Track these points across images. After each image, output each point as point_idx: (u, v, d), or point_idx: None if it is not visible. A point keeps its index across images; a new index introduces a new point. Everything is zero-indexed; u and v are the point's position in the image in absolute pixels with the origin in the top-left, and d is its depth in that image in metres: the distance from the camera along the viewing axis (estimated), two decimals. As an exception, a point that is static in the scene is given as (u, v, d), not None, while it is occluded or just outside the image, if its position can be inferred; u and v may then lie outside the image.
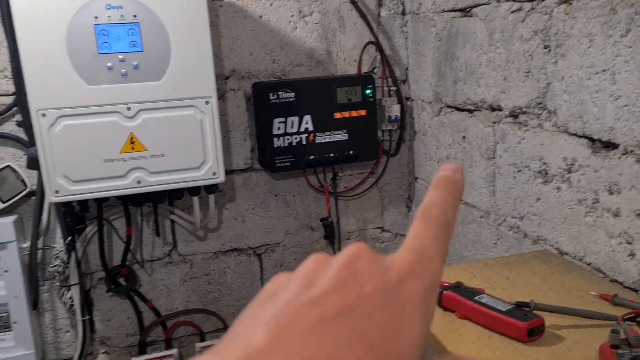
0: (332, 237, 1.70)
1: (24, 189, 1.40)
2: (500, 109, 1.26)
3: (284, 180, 1.67)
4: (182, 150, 1.29)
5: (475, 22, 1.32)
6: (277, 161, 1.53)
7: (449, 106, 1.50)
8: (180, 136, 1.29)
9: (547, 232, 1.13)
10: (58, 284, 1.51)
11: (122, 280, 1.55)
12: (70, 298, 1.50)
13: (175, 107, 1.27)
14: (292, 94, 1.51)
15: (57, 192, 1.22)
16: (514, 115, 1.21)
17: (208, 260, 1.65)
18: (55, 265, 1.48)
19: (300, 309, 0.20)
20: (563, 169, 1.06)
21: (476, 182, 1.39)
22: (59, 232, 1.49)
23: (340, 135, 1.58)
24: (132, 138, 1.25)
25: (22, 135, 1.40)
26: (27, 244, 1.44)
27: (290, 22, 1.59)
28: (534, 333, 0.75)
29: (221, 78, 1.55)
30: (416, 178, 1.77)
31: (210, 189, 1.45)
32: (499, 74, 1.24)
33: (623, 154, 0.91)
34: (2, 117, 1.39)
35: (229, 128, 1.58)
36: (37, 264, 1.45)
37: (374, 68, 1.67)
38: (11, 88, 1.39)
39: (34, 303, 1.46)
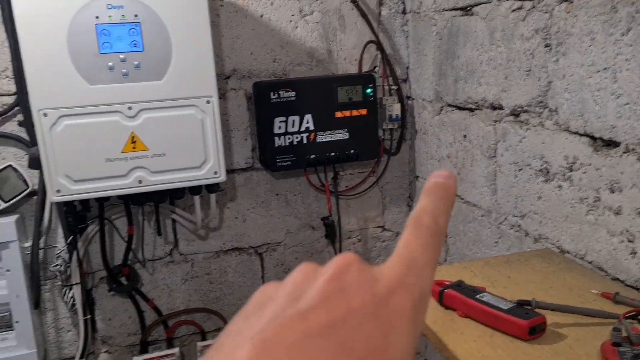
0: (333, 236, 1.70)
1: (26, 189, 1.40)
2: (501, 108, 1.26)
3: (285, 179, 1.67)
4: (183, 150, 1.29)
5: (476, 20, 1.32)
6: (278, 160, 1.53)
7: (449, 105, 1.50)
8: (181, 135, 1.29)
9: (548, 231, 1.13)
10: (60, 283, 1.51)
11: (123, 280, 1.55)
12: (72, 297, 1.50)
13: (177, 107, 1.27)
14: (293, 93, 1.51)
15: (58, 191, 1.22)
16: (515, 113, 1.21)
17: (209, 260, 1.65)
18: (56, 265, 1.49)
19: (286, 323, 0.19)
20: (564, 168, 1.06)
21: (477, 181, 1.39)
22: (60, 232, 1.49)
23: (341, 135, 1.58)
24: (133, 137, 1.25)
25: (23, 135, 1.40)
26: (28, 244, 1.45)
27: (290, 21, 1.59)
28: (535, 331, 0.75)
29: (222, 77, 1.55)
30: (417, 177, 1.77)
31: (212, 188, 1.45)
32: (500, 73, 1.24)
33: (624, 153, 0.91)
34: (3, 116, 1.40)
35: (230, 127, 1.58)
36: (38, 263, 1.45)
37: (374, 67, 1.67)
38: (13, 88, 1.39)
39: (36, 302, 1.46)
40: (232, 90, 1.57)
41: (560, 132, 1.06)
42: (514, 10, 1.17)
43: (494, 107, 1.29)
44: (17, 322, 1.42)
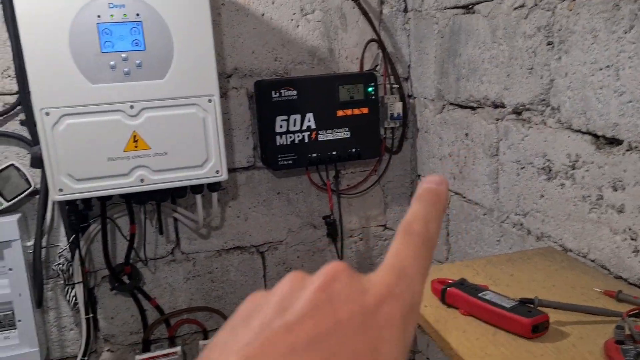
0: (334, 235, 1.70)
1: (28, 188, 1.40)
2: (503, 106, 1.25)
3: (287, 178, 1.67)
4: (185, 149, 1.29)
5: (478, 18, 1.32)
6: (279, 159, 1.53)
7: (451, 103, 1.50)
8: (183, 134, 1.29)
9: (550, 229, 1.13)
10: (62, 282, 1.51)
11: (125, 279, 1.55)
12: (74, 296, 1.50)
13: (178, 106, 1.27)
14: (295, 92, 1.51)
15: (60, 190, 1.22)
16: (517, 112, 1.21)
17: (211, 258, 1.65)
18: (59, 264, 1.49)
19: (272, 337, 0.19)
20: (567, 166, 1.06)
21: (479, 180, 1.39)
22: (62, 231, 1.50)
23: (343, 133, 1.58)
24: (135, 136, 1.25)
25: (25, 134, 1.41)
26: (31, 243, 1.45)
27: (292, 20, 1.58)
28: (538, 329, 0.75)
29: (223, 76, 1.55)
30: (419, 175, 1.77)
31: (213, 187, 1.45)
32: (502, 71, 1.24)
33: (627, 150, 0.91)
34: (5, 116, 1.40)
35: (231, 126, 1.58)
36: (41, 262, 1.45)
37: (376, 66, 1.67)
38: (14, 87, 1.39)
39: (38, 301, 1.46)
40: (233, 89, 1.57)
41: (563, 130, 1.06)
42: (516, 8, 1.17)
43: (496, 106, 1.28)
44: (19, 320, 1.42)
